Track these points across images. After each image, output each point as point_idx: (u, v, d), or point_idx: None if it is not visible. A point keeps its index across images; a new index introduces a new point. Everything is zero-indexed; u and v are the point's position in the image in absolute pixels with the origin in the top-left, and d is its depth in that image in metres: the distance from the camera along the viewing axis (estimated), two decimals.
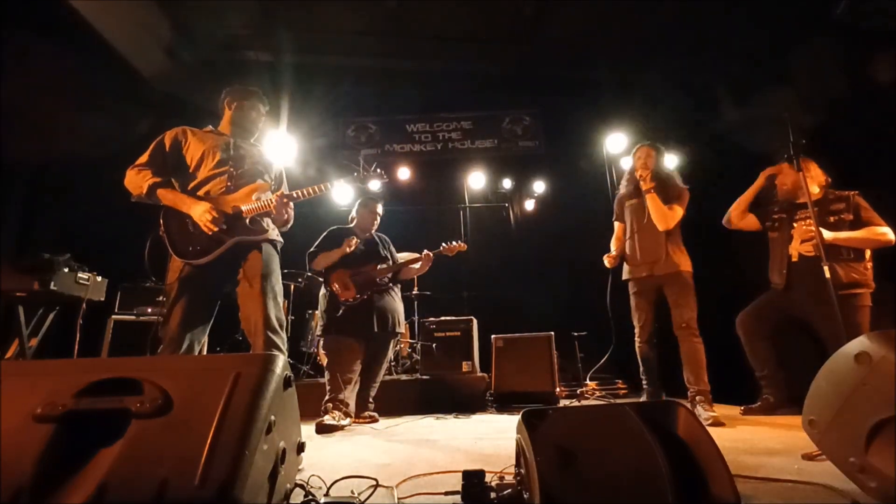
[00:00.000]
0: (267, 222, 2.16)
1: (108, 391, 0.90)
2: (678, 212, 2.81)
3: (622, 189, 3.14)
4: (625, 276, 3.00)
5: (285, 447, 0.97)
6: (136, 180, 2.03)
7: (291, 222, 2.28)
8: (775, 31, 4.31)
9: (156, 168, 2.07)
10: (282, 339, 1.96)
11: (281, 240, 2.22)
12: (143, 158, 2.09)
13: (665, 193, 2.84)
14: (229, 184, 2.08)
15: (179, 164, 2.13)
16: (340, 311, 2.92)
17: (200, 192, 2.06)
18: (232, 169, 2.11)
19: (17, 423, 0.84)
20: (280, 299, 2.06)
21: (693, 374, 2.66)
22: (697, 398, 2.60)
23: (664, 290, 2.83)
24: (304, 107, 5.12)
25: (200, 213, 1.97)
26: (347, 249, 2.95)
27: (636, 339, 2.92)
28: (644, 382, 2.91)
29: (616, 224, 3.14)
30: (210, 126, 2.25)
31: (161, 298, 3.96)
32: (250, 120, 2.27)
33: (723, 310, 3.12)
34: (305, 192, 2.14)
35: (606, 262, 2.98)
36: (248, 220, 2.06)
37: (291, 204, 2.16)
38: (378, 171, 2.25)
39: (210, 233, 1.96)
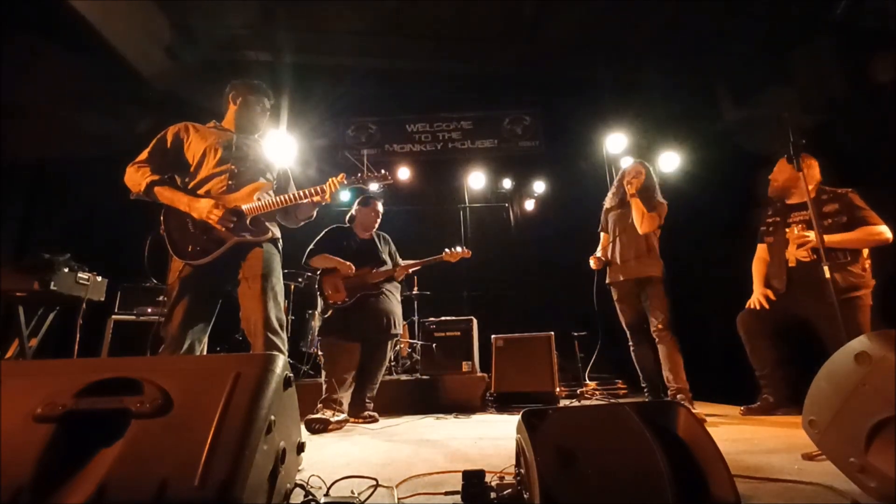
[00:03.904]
0: (268, 222, 2.14)
1: (108, 391, 0.90)
2: (656, 219, 2.96)
3: (608, 201, 3.27)
4: (608, 280, 3.13)
5: (285, 447, 0.97)
6: (136, 177, 2.01)
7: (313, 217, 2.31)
8: (775, 31, 4.31)
9: (155, 165, 2.05)
10: (282, 340, 1.95)
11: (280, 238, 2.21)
12: (143, 155, 2.06)
13: (647, 203, 2.97)
14: (230, 182, 2.05)
15: (180, 161, 2.11)
16: (329, 313, 2.94)
17: (201, 191, 2.04)
18: (234, 167, 2.08)
19: (17, 423, 0.84)
20: (281, 299, 2.04)
21: (672, 372, 2.76)
22: (678, 396, 2.69)
23: (641, 294, 2.97)
24: (304, 107, 5.12)
25: (207, 210, 1.94)
26: (345, 272, 2.95)
27: (630, 342, 3.04)
28: (644, 387, 3.00)
29: (602, 235, 3.27)
30: (213, 122, 2.22)
31: (161, 298, 3.97)
32: (254, 115, 2.24)
33: (723, 310, 3.12)
34: (320, 189, 2.12)
35: (592, 263, 3.14)
36: (248, 220, 2.04)
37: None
38: (382, 172, 2.22)
39: (223, 229, 1.95)
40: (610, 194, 3.28)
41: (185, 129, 2.14)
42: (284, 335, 1.99)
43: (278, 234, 2.18)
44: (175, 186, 2.06)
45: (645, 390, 3.01)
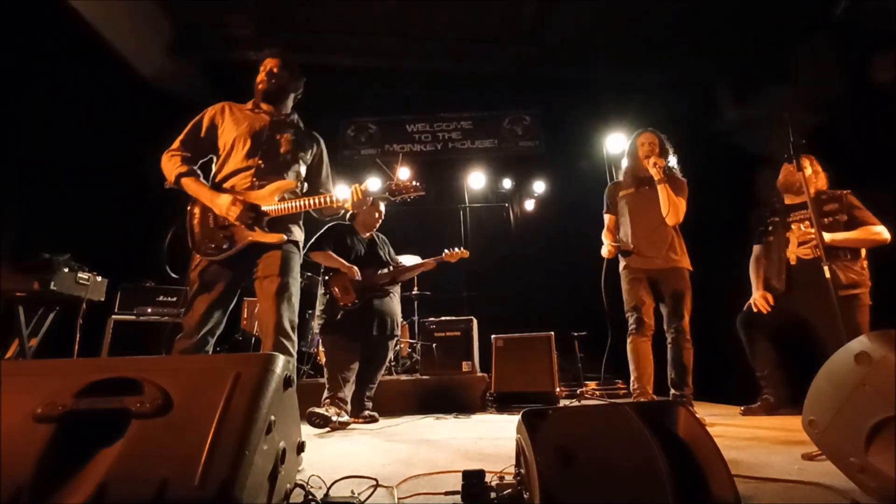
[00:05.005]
0: (290, 223, 2.08)
1: (108, 391, 0.90)
2: (685, 205, 2.69)
3: (621, 178, 2.96)
4: (624, 264, 2.81)
5: (285, 447, 0.97)
6: (168, 167, 2.00)
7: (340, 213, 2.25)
8: (775, 31, 4.31)
9: (188, 153, 2.04)
10: (292, 343, 1.92)
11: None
12: (177, 143, 2.04)
13: (671, 184, 2.68)
14: (254, 179, 2.02)
15: (215, 146, 2.09)
16: (339, 315, 2.93)
17: (227, 185, 2.02)
18: (260, 162, 2.03)
19: (17, 423, 0.84)
20: (295, 301, 2.00)
21: (679, 377, 2.57)
22: (682, 401, 2.50)
23: (660, 287, 2.69)
24: (304, 107, 5.11)
25: (226, 207, 1.92)
26: (350, 275, 2.94)
27: (630, 329, 2.67)
28: (635, 389, 2.61)
29: (607, 216, 2.95)
30: (252, 101, 2.17)
31: (161, 298, 3.98)
32: (282, 93, 2.15)
33: (722, 309, 3.12)
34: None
35: (605, 251, 2.80)
36: (266, 221, 1.99)
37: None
38: (415, 184, 2.14)
39: (241, 226, 1.93)
40: (623, 171, 2.95)
41: (220, 113, 2.11)
42: (295, 337, 1.96)
43: (298, 236, 2.13)
44: (201, 179, 2.03)
45: (634, 394, 2.62)
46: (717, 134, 5.00)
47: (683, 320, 2.60)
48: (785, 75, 4.44)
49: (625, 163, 2.95)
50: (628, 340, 2.68)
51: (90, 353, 3.41)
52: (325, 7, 4.54)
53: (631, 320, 2.69)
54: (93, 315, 3.29)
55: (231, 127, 2.08)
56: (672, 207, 2.63)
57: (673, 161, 2.84)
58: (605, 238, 2.89)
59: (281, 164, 2.09)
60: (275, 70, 2.15)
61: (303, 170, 2.19)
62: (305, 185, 2.23)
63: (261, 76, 2.15)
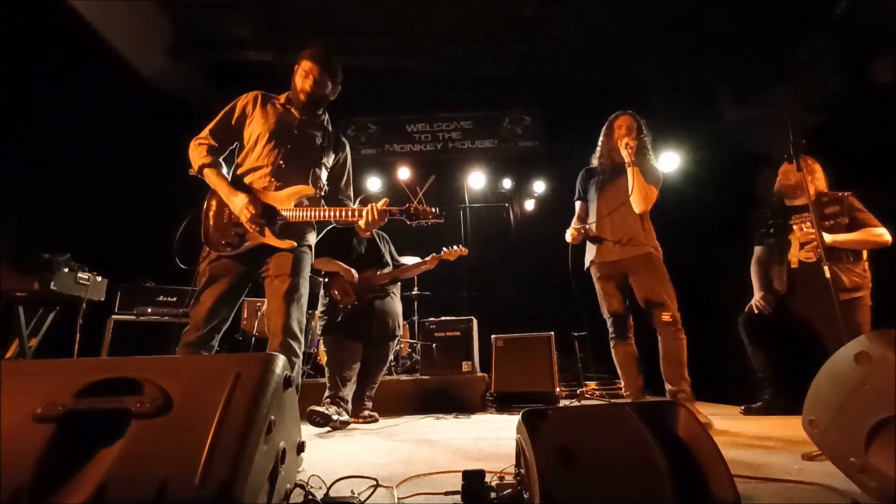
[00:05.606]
0: (304, 228, 2.05)
1: (108, 391, 0.90)
2: (656, 194, 2.55)
3: (594, 162, 2.82)
4: (589, 258, 2.72)
5: (285, 447, 0.97)
6: (194, 156, 1.99)
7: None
8: (775, 31, 4.31)
9: (215, 142, 2.02)
10: (299, 344, 1.91)
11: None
12: (206, 131, 2.03)
13: (644, 171, 2.54)
14: (273, 180, 1.99)
15: (241, 136, 2.08)
16: (340, 318, 2.93)
17: (246, 180, 2.00)
18: (281, 163, 2.00)
19: (17, 423, 0.84)
20: (304, 301, 1.98)
21: (673, 370, 2.39)
22: (680, 396, 2.36)
23: (632, 279, 2.54)
24: None
25: (241, 207, 1.90)
26: (349, 278, 2.94)
27: (611, 335, 2.60)
28: (627, 393, 2.57)
29: (577, 204, 2.84)
30: (286, 94, 2.12)
31: (161, 298, 3.98)
32: (316, 94, 2.11)
33: (722, 309, 3.12)
34: (357, 213, 2.01)
35: (569, 235, 2.68)
36: (279, 226, 1.96)
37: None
38: (435, 210, 2.08)
39: (250, 230, 1.91)
40: (596, 156, 2.79)
41: (252, 103, 2.09)
42: (302, 338, 1.94)
43: (312, 239, 2.10)
44: (222, 172, 2.01)
45: (626, 395, 2.56)
46: (717, 134, 5.00)
47: (672, 310, 2.41)
48: (785, 75, 4.44)
49: (599, 147, 2.81)
50: (611, 346, 2.61)
51: (90, 353, 3.41)
52: (325, 7, 4.54)
53: (609, 324, 2.61)
54: (93, 315, 3.29)
55: (259, 120, 2.05)
56: (639, 191, 2.46)
57: (653, 157, 2.73)
58: (574, 225, 2.80)
59: (302, 167, 2.06)
60: (317, 78, 2.09)
61: (324, 174, 2.16)
62: (326, 187, 2.20)
63: (301, 83, 2.08)
